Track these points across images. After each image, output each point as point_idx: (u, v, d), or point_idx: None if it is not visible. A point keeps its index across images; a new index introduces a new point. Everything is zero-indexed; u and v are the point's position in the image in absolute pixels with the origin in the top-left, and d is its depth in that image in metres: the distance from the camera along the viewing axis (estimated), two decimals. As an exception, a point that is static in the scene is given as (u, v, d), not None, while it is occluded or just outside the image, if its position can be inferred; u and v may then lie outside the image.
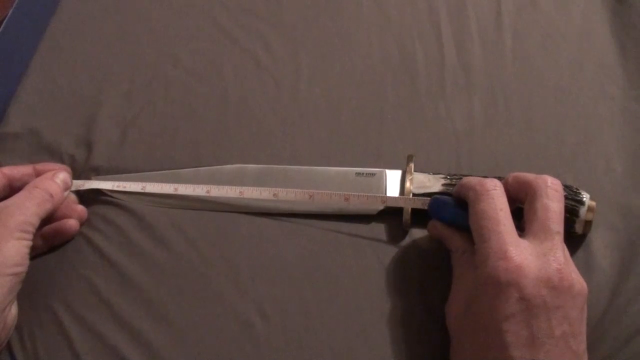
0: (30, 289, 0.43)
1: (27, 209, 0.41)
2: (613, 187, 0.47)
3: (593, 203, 0.42)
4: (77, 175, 0.49)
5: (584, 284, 0.36)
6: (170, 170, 0.49)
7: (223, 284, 0.44)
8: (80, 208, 0.47)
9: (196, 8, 0.60)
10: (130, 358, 0.40)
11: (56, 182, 0.44)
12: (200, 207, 0.47)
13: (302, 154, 0.50)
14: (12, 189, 0.44)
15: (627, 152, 0.48)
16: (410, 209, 0.44)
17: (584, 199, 0.42)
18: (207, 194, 0.46)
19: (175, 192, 0.47)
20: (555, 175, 0.45)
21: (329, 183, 0.47)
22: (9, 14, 0.61)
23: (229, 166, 0.49)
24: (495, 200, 0.38)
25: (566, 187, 0.43)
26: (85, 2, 0.61)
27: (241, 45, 0.57)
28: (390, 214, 0.46)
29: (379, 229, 0.46)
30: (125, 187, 0.47)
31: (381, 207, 0.45)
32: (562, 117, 0.51)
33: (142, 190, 0.47)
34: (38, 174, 0.45)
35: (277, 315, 0.42)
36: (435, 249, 0.44)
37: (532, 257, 0.35)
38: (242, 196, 0.46)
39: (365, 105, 0.53)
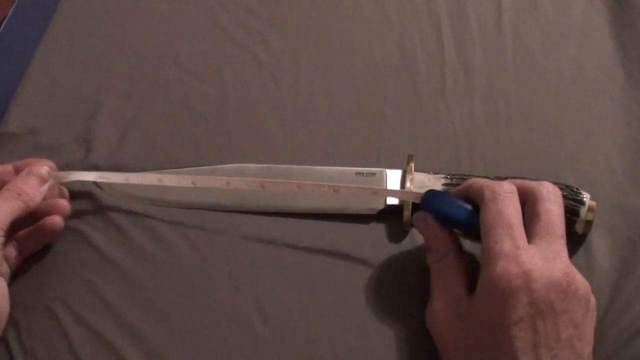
0: (29, 289, 0.43)
1: None
2: (613, 187, 0.47)
3: (593, 203, 0.42)
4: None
5: (588, 286, 0.36)
6: (170, 170, 0.49)
7: (223, 284, 0.44)
8: (62, 203, 0.45)
9: (196, 8, 0.60)
10: (130, 358, 0.40)
11: (28, 180, 0.43)
12: (201, 207, 0.47)
13: (302, 154, 0.50)
14: None
15: (628, 152, 0.48)
16: (410, 209, 0.44)
17: (585, 199, 0.42)
18: (193, 185, 0.45)
19: (159, 184, 0.45)
20: (555, 176, 0.46)
21: (329, 182, 0.47)
22: (9, 14, 0.61)
23: (229, 165, 0.49)
24: (512, 203, 0.37)
25: (566, 187, 0.43)
26: (85, 2, 0.61)
27: (241, 45, 0.57)
28: (391, 214, 0.46)
29: (379, 229, 0.46)
30: (108, 178, 0.46)
31: (381, 207, 0.45)
32: (562, 117, 0.51)
33: (126, 182, 0.46)
34: (18, 171, 0.44)
35: (277, 315, 0.42)
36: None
37: (541, 262, 0.35)
38: (228, 187, 0.44)
39: (365, 105, 0.53)
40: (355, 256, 0.45)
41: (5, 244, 0.41)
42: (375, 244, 0.45)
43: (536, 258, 0.35)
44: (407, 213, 0.44)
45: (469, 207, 0.39)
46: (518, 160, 0.49)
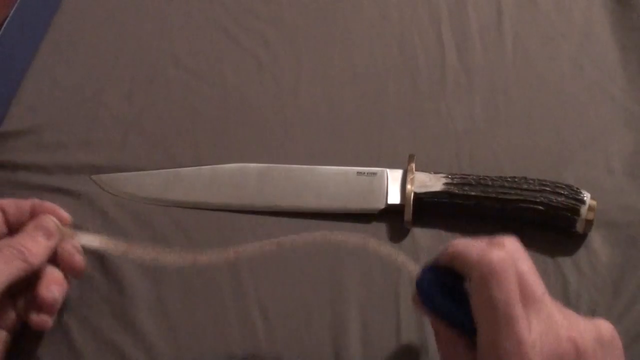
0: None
1: None
2: (614, 186, 0.47)
3: (594, 202, 0.43)
4: (76, 173, 0.49)
5: (603, 329, 0.31)
6: (171, 169, 0.49)
7: (224, 284, 0.44)
8: (76, 260, 0.40)
9: (197, 8, 0.60)
10: (131, 357, 0.40)
11: (34, 237, 0.39)
12: (201, 207, 0.47)
13: (303, 153, 0.50)
14: (9, 225, 0.40)
15: (628, 151, 0.49)
16: (411, 208, 0.44)
17: (585, 199, 0.43)
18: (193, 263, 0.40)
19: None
20: (556, 175, 0.46)
21: (330, 182, 0.47)
22: (11, 14, 0.61)
23: (230, 165, 0.49)
24: (505, 282, 0.30)
25: (567, 187, 0.43)
26: (87, 3, 0.61)
27: (242, 45, 0.57)
28: (392, 214, 0.46)
29: (380, 228, 0.46)
30: (116, 247, 0.42)
31: (382, 206, 0.46)
32: (563, 116, 0.51)
33: (146, 258, 0.41)
34: (33, 213, 0.41)
35: (278, 314, 0.42)
36: (437, 248, 0.44)
37: (547, 345, 0.30)
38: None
39: (366, 104, 0.53)
40: (357, 255, 0.44)
41: (3, 307, 0.38)
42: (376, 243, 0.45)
43: (540, 344, 0.30)
44: (408, 210, 0.44)
45: (459, 307, 0.32)
46: (518, 159, 0.49)
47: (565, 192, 0.43)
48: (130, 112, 0.53)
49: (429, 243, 0.45)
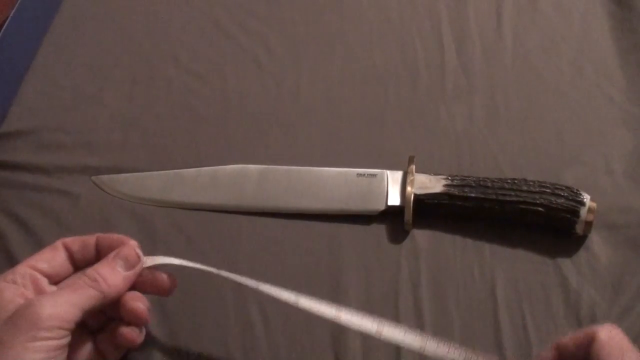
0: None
1: (60, 300, 0.33)
2: (613, 188, 0.47)
3: (593, 204, 0.43)
4: (76, 174, 0.49)
5: None
6: (171, 170, 0.49)
7: (224, 285, 0.44)
8: (159, 278, 0.38)
9: (197, 9, 0.60)
10: (132, 357, 0.40)
11: (111, 264, 0.36)
12: (202, 208, 0.47)
13: (303, 155, 0.50)
14: (75, 263, 0.38)
15: (627, 153, 0.49)
16: (411, 210, 0.44)
17: (585, 200, 0.43)
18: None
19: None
20: (555, 176, 0.46)
21: (330, 184, 0.47)
22: (11, 15, 0.61)
23: (230, 166, 0.49)
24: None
25: (566, 188, 0.44)
26: (87, 3, 0.61)
27: (242, 46, 0.57)
28: (392, 215, 0.46)
29: (380, 230, 0.46)
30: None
31: (382, 208, 0.46)
32: (562, 118, 0.51)
33: (256, 287, 0.39)
34: (99, 248, 0.38)
35: (278, 315, 0.42)
36: (437, 249, 0.44)
37: None
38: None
39: (366, 106, 0.53)
40: (356, 256, 0.45)
41: (81, 341, 0.36)
42: (377, 244, 0.45)
43: None
44: (408, 212, 0.44)
45: None
46: (518, 161, 0.49)
47: (565, 194, 0.43)
48: (130, 113, 0.53)
49: (428, 244, 0.45)
